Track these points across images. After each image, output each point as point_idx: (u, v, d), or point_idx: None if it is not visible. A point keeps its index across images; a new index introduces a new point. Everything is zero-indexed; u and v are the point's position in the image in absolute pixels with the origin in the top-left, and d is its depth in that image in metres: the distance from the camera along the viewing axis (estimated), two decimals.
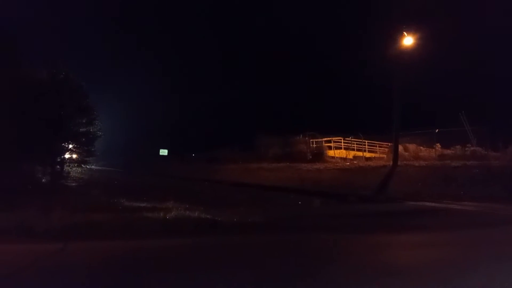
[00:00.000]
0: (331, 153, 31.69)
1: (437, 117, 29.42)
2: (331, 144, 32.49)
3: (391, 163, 21.45)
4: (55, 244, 6.66)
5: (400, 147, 23.98)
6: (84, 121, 16.37)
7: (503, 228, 9.52)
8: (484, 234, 8.72)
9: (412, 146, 27.66)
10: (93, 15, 70.65)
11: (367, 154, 31.30)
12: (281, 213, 11.41)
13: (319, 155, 30.36)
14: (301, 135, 33.52)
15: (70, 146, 16.31)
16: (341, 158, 30.67)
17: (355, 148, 32.61)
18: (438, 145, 25.80)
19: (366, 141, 32.22)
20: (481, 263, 5.84)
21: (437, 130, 25.06)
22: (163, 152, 52.40)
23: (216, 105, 58.27)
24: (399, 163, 21.10)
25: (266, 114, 51.10)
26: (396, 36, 21.30)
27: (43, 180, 15.33)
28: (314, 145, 32.50)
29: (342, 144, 32.62)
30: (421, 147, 27.67)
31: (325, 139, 32.62)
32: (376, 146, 32.81)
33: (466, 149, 23.29)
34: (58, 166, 15.91)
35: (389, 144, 26.68)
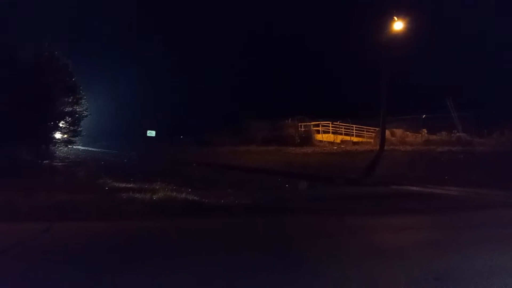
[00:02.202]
0: (319, 137, 31.83)
1: (425, 103, 29.70)
2: (319, 128, 32.62)
3: (378, 147, 21.61)
4: (41, 224, 6.63)
5: (387, 132, 24.16)
6: (70, 100, 16.15)
7: (485, 212, 9.70)
8: (467, 218, 8.89)
9: (399, 131, 27.89)
10: None
11: (355, 139, 31.52)
12: (268, 196, 11.46)
13: (307, 139, 30.45)
14: (290, 119, 33.55)
15: (56, 125, 16.11)
16: (329, 142, 30.84)
17: (343, 132, 32.81)
18: (425, 130, 26.04)
19: (354, 126, 32.42)
20: (464, 245, 5.96)
21: (424, 116, 25.27)
22: (151, 133, 51.85)
23: (205, 88, 57.90)
24: (386, 147, 21.26)
25: (255, 97, 50.97)
26: (386, 21, 21.24)
27: (28, 160, 15.15)
28: (303, 129, 32.57)
29: (330, 128, 32.77)
30: (408, 132, 27.92)
31: (314, 123, 32.72)
32: (363, 131, 33.05)
33: (452, 135, 23.55)
34: (43, 146, 15.74)
35: (377, 129, 26.85)
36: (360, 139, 31.75)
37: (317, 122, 32.83)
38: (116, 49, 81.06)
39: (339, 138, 32.08)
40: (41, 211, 7.46)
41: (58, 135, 16.49)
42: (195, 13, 76.87)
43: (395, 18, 20.97)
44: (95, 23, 76.29)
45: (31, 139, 14.83)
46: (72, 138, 17.04)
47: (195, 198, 9.45)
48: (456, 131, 23.79)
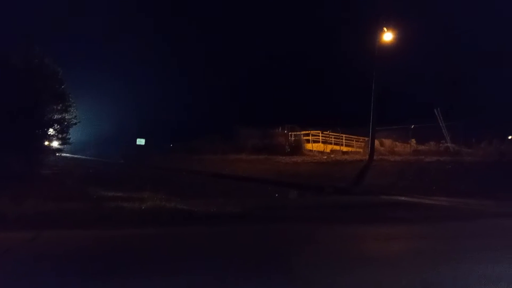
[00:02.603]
0: (309, 146, 31.93)
1: (414, 113, 29.99)
2: (310, 138, 32.75)
3: (367, 157, 21.72)
4: (28, 232, 6.56)
5: (377, 142, 24.31)
6: (59, 107, 16.01)
7: (474, 222, 9.76)
8: (456, 228, 8.95)
9: (388, 141, 28.08)
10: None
11: (344, 148, 31.66)
12: (258, 204, 11.44)
13: (297, 148, 30.54)
14: (280, 128, 33.63)
15: (45, 133, 15.95)
16: (318, 151, 30.94)
17: (333, 141, 32.94)
18: (413, 140, 26.25)
19: (344, 135, 32.57)
20: (452, 255, 6.00)
21: (412, 126, 25.49)
22: (140, 141, 51.59)
23: (195, 96, 57.90)
24: (375, 157, 21.38)
25: (246, 105, 51.06)
26: (376, 31, 21.47)
27: (16, 168, 14.95)
28: (293, 138, 32.67)
29: (320, 137, 32.90)
30: (397, 142, 28.13)
31: (304, 132, 32.86)
32: (353, 140, 33.21)
33: (440, 145, 23.79)
34: (32, 154, 15.55)
35: (366, 138, 27.00)
36: (349, 149, 31.89)
37: (307, 132, 32.96)
38: (108, 58, 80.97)
39: (329, 147, 32.20)
40: (29, 220, 7.39)
41: (46, 143, 16.33)
42: (190, 21, 77.13)
43: (385, 29, 21.23)
44: (86, 34, 76.13)
45: (19, 146, 14.64)
46: (61, 146, 16.88)
47: (184, 207, 9.43)
48: (444, 141, 24.02)
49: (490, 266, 5.33)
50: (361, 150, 29.38)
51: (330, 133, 32.90)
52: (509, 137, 23.02)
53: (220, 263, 5.37)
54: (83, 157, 40.21)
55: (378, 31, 21.39)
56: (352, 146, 32.79)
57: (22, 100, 14.19)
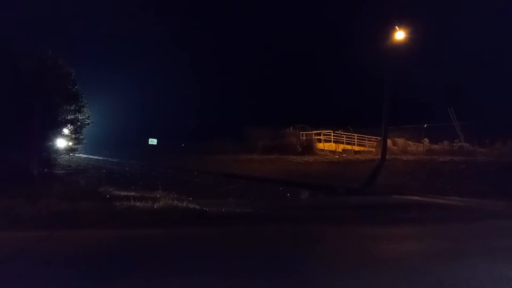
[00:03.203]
0: (320, 145, 31.79)
1: (426, 112, 29.69)
2: (321, 137, 32.59)
3: (379, 157, 21.57)
4: (42, 232, 6.64)
5: (389, 141, 24.11)
6: (72, 108, 16.18)
7: (488, 222, 9.65)
8: (469, 228, 8.86)
9: (400, 141, 27.82)
10: None
11: (356, 148, 31.44)
12: (269, 204, 11.45)
13: (308, 147, 30.43)
14: (291, 127, 33.55)
15: (59, 133, 16.13)
16: (330, 151, 30.78)
17: (345, 141, 32.74)
18: (426, 140, 25.95)
19: (356, 135, 32.35)
20: (465, 256, 5.94)
21: (425, 125, 25.22)
22: (152, 141, 51.83)
23: (206, 96, 58.08)
24: (387, 157, 21.22)
25: (257, 105, 50.99)
26: (387, 30, 21.30)
27: (30, 168, 15.15)
28: (304, 138, 32.57)
29: (332, 137, 32.73)
30: (410, 142, 27.85)
31: (315, 131, 32.72)
32: (365, 140, 32.96)
33: (454, 144, 23.48)
34: (45, 154, 15.74)
35: (378, 138, 26.79)
36: (361, 148, 31.67)
37: (318, 131, 32.82)
38: (119, 59, 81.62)
39: (340, 147, 32.02)
40: (43, 219, 7.47)
41: (60, 143, 16.51)
42: (199, 22, 77.43)
43: (397, 27, 21.04)
44: (100, 36, 76.74)
45: (33, 147, 14.83)
46: (74, 146, 17.07)
47: (196, 206, 9.46)
48: (458, 140, 23.71)
49: (504, 267, 5.25)
50: (373, 149, 29.16)
51: (342, 133, 32.69)
52: None
53: (230, 263, 5.37)
54: (96, 157, 40.58)
55: (390, 29, 21.22)
56: (364, 146, 32.55)
57: (36, 101, 14.36)
